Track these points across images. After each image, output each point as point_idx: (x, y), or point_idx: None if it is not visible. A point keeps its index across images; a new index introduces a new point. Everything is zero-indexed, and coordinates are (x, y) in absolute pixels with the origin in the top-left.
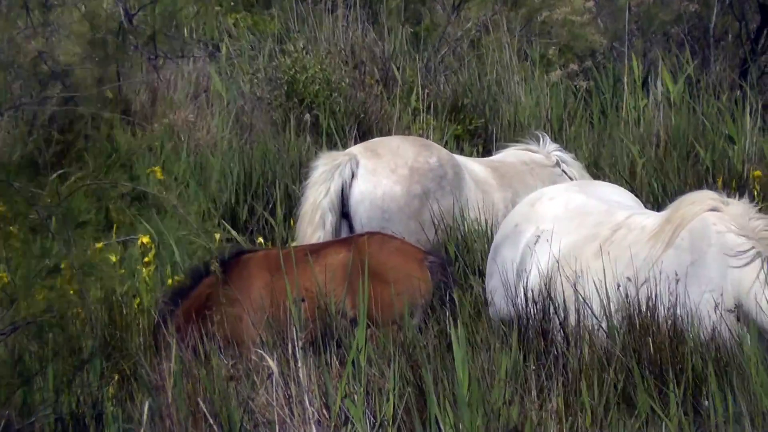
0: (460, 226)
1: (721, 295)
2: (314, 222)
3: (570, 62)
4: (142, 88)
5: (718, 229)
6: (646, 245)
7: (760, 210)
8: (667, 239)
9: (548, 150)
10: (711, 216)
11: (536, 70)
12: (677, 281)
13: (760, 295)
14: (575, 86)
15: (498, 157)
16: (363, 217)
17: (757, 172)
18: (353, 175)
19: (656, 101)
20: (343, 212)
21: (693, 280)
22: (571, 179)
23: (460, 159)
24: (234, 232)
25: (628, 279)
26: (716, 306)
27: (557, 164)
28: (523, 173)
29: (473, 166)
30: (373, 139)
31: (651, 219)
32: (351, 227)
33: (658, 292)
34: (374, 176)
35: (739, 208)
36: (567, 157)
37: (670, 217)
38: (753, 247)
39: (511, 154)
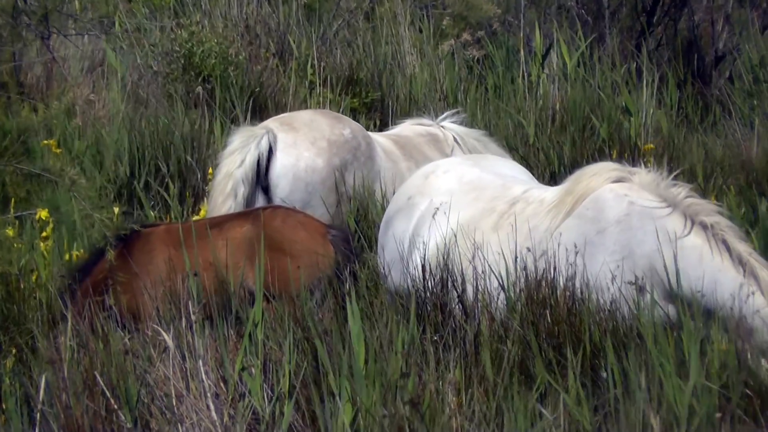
0: (373, 197)
1: (625, 265)
2: (225, 192)
3: (463, 32)
4: (36, 64)
5: (631, 199)
6: (546, 217)
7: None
8: (567, 209)
9: (443, 124)
10: (618, 187)
11: (430, 42)
12: (576, 253)
13: (708, 263)
14: (469, 57)
15: (395, 130)
16: (285, 191)
17: (649, 145)
18: (271, 149)
19: (551, 74)
20: (262, 186)
21: (600, 250)
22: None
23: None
24: (152, 201)
25: (528, 250)
26: (621, 277)
27: (454, 140)
28: (422, 145)
29: (379, 138)
30: (285, 114)
31: (549, 192)
32: (269, 201)
33: (557, 264)
34: (295, 149)
35: (649, 176)
36: (463, 129)
37: (571, 189)
38: (684, 215)
39: (407, 128)
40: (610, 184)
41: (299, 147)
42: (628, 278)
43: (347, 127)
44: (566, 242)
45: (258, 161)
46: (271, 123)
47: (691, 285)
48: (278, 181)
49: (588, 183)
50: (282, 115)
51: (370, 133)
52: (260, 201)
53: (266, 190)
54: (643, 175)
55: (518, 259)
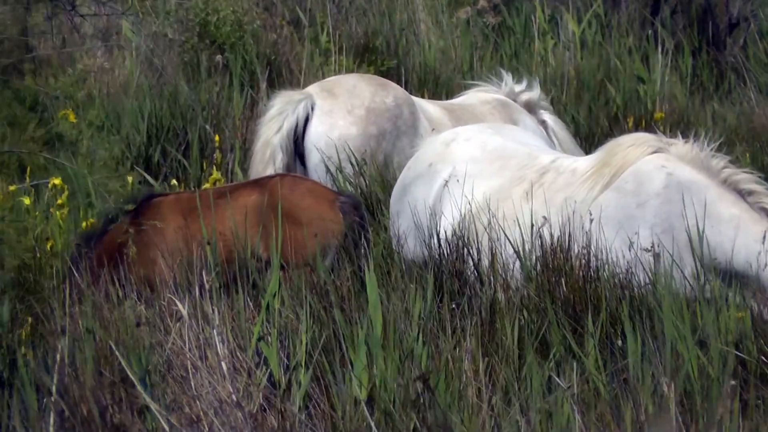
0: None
1: (666, 238)
2: (264, 159)
3: None
4: (51, 36)
5: (670, 170)
6: (581, 188)
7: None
8: (605, 182)
9: (511, 89)
10: (657, 158)
11: (444, 10)
12: (591, 221)
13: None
14: (485, 24)
15: (458, 100)
16: (317, 158)
17: (660, 114)
18: (308, 116)
19: (567, 41)
20: (298, 153)
21: (641, 224)
22: (539, 117)
23: (415, 99)
24: (162, 174)
25: (545, 218)
26: (654, 247)
27: (525, 106)
28: (483, 114)
29: (428, 106)
30: (329, 78)
31: (581, 162)
32: (305, 168)
33: (572, 232)
34: (330, 117)
35: (686, 148)
36: (532, 94)
37: (607, 160)
38: (723, 186)
39: (471, 96)
40: (649, 156)
41: (335, 115)
42: (669, 251)
43: (391, 95)
44: (606, 215)
45: (295, 128)
46: (312, 88)
47: (727, 256)
48: (311, 149)
49: (625, 155)
50: (327, 79)
51: (422, 100)
52: (297, 168)
53: (301, 158)
54: (680, 146)
55: (534, 227)
